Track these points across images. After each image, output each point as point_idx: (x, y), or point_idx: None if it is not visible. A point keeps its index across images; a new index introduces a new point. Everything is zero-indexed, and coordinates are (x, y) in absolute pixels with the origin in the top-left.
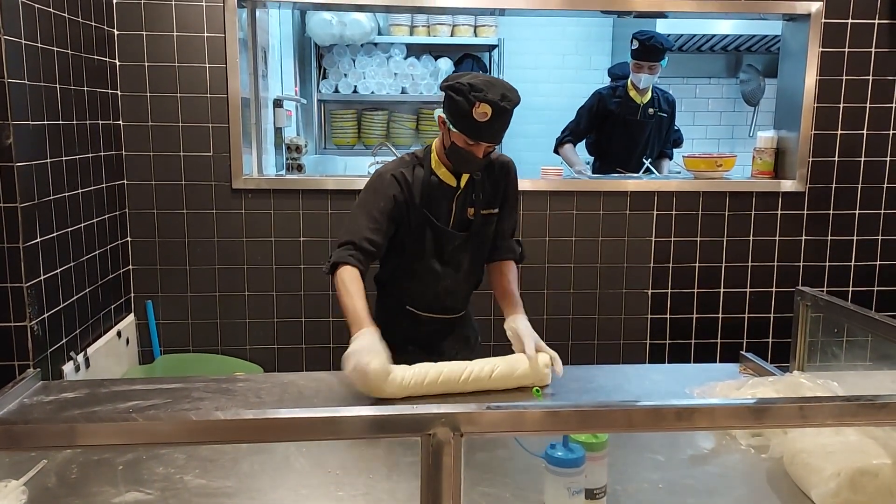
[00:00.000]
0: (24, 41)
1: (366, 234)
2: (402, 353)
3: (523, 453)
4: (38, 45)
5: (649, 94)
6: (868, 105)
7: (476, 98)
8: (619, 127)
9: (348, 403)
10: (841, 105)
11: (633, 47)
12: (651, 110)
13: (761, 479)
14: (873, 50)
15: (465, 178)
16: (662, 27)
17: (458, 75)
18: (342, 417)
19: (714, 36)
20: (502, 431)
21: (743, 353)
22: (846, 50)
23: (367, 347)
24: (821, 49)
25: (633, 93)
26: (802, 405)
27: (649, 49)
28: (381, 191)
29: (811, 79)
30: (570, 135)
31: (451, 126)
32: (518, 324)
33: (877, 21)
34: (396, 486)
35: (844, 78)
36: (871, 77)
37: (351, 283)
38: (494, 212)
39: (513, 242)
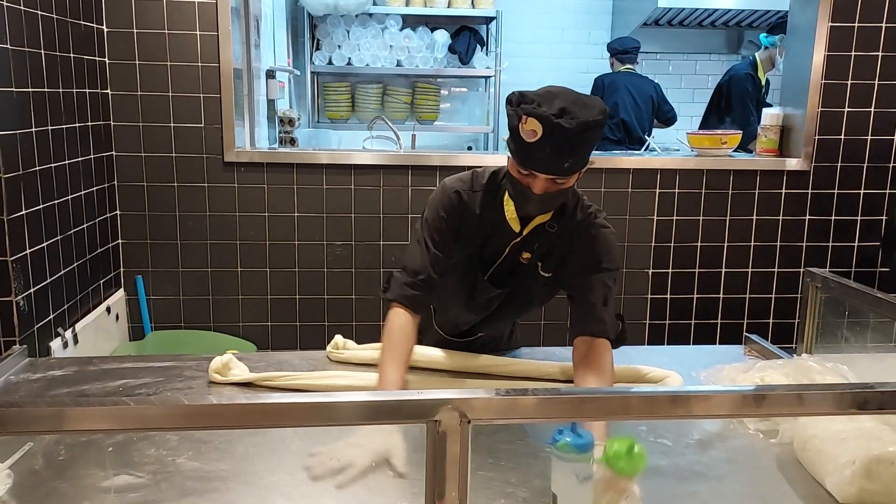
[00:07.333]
0: (6, 3)
1: (420, 262)
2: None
3: (529, 437)
4: (21, 7)
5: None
6: (876, 82)
7: (523, 111)
8: (756, 108)
9: None
10: (849, 82)
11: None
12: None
13: (771, 465)
14: (884, 25)
15: (530, 226)
16: (665, 1)
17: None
18: (343, 403)
19: (716, 10)
20: (512, 419)
21: (747, 334)
22: (856, 25)
23: None
24: (830, 24)
25: (761, 73)
26: (824, 392)
27: None
28: (436, 208)
29: (819, 55)
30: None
31: (508, 147)
32: None
33: None
34: None
35: (853, 54)
36: (880, 53)
37: (392, 334)
38: (549, 275)
39: (605, 314)
